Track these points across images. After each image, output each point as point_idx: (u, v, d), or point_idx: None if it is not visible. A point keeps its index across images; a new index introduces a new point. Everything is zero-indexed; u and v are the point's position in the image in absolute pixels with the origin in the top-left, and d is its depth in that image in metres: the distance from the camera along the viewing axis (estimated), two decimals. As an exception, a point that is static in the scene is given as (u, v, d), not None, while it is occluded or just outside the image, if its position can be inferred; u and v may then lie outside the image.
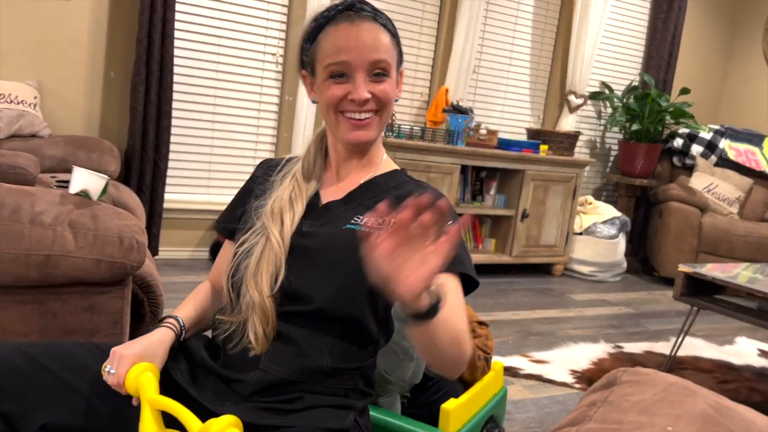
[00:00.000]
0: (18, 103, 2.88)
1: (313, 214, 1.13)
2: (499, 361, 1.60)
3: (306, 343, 1.04)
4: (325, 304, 1.04)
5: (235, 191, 3.83)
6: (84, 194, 1.38)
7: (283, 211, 1.11)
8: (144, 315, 1.61)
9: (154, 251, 3.42)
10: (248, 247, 1.09)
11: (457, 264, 1.03)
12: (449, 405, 1.34)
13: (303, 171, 1.17)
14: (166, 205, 3.47)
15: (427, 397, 1.48)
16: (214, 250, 3.68)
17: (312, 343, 1.04)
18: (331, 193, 1.16)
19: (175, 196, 3.60)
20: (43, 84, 3.15)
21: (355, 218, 1.10)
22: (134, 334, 1.60)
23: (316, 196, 1.16)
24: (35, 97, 2.99)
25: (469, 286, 1.07)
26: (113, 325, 1.36)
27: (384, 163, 1.20)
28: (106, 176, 1.44)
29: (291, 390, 1.02)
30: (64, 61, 3.23)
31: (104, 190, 1.43)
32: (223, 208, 4.11)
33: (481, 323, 1.60)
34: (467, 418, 1.42)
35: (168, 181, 3.48)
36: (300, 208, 1.12)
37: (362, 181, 1.16)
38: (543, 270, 4.50)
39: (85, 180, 1.39)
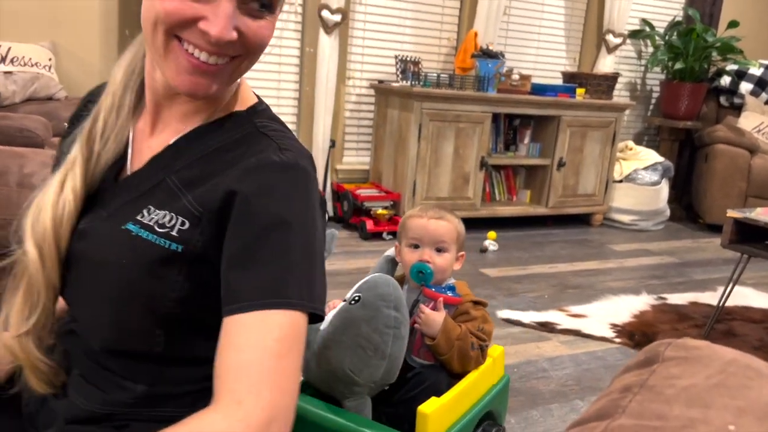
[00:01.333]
0: (32, 66, 2.81)
1: (106, 195, 0.77)
2: (498, 346, 1.38)
3: (106, 378, 0.76)
4: (108, 344, 0.75)
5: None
6: (78, 154, 1.30)
7: (43, 210, 0.75)
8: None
9: (181, 213, 3.38)
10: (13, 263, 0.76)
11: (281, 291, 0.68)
12: (427, 407, 1.12)
13: (99, 125, 0.78)
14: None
15: (405, 392, 1.24)
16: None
17: (113, 379, 0.76)
18: (139, 156, 0.79)
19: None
20: (58, 45, 3.08)
21: (146, 210, 0.74)
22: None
23: (121, 160, 0.79)
24: (50, 59, 2.92)
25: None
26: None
27: (231, 101, 0.80)
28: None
29: (112, 419, 0.76)
30: (78, 21, 3.14)
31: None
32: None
33: (477, 303, 1.33)
34: (454, 420, 1.20)
35: (191, 141, 3.40)
36: (71, 197, 0.75)
37: (178, 136, 0.78)
38: (581, 220, 4.32)
39: (78, 139, 1.30)
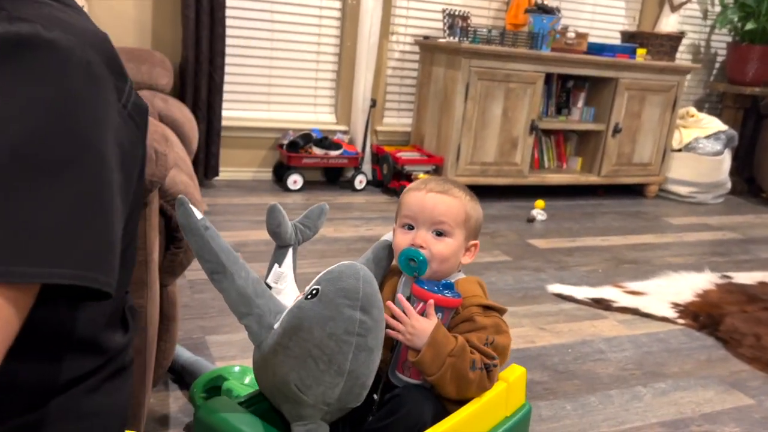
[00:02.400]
0: (62, 13, 2.67)
1: None
2: (518, 366, 1.06)
3: None
4: None
5: (297, 107, 3.60)
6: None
7: None
8: (181, 239, 1.41)
9: (215, 171, 3.25)
10: None
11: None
12: None
13: None
14: (224, 123, 3.26)
15: (378, 419, 0.95)
16: (278, 170, 3.48)
17: None
18: None
19: (234, 113, 3.38)
20: (90, -8, 2.94)
21: None
22: (173, 260, 1.40)
23: None
24: (82, 6, 2.78)
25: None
26: (138, 252, 1.15)
27: None
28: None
29: None
30: (111, -34, 2.99)
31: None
32: (285, 126, 3.79)
33: (489, 308, 1.00)
34: None
35: (226, 97, 3.25)
36: None
37: None
38: (634, 191, 4.06)
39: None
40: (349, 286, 0.85)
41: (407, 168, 3.38)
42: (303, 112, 3.59)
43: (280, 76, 3.47)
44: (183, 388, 1.54)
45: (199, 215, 0.91)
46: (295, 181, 3.36)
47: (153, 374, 1.27)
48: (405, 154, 3.46)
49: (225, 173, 3.38)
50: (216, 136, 3.20)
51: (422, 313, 0.95)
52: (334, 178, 3.62)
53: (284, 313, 0.91)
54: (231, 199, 3.12)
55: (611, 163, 3.81)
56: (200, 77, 3.06)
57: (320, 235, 2.83)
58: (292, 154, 3.31)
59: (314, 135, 3.41)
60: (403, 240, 1.02)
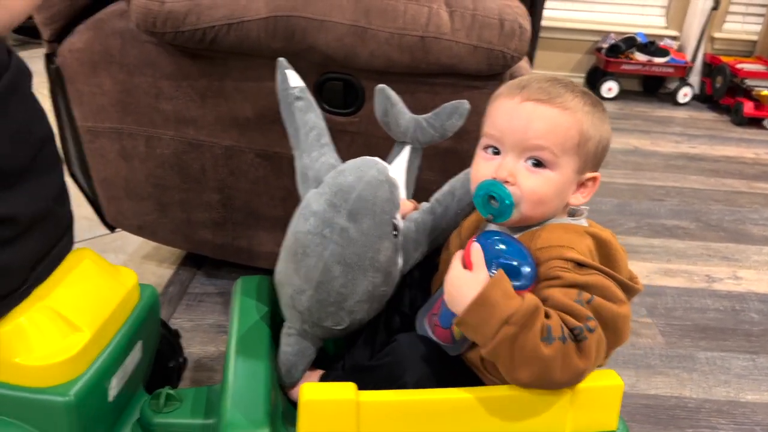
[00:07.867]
0: None
1: None
2: (614, 375, 0.71)
3: None
4: None
5: (623, 8, 3.32)
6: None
7: None
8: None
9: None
10: None
11: None
12: (309, 391, 0.65)
13: None
14: (544, 23, 3.16)
15: (376, 358, 0.76)
16: (592, 76, 3.30)
17: None
18: None
19: (554, 12, 3.26)
20: None
21: None
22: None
23: None
24: None
25: None
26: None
27: None
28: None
29: None
30: None
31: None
32: (607, 29, 3.55)
33: (584, 265, 0.67)
34: None
35: (549, -6, 3.14)
36: None
37: None
38: None
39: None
40: (345, 184, 0.73)
41: (747, 82, 2.93)
42: (629, 14, 3.31)
43: (609, -28, 3.22)
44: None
45: (296, 83, 0.87)
46: (609, 89, 3.16)
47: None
48: (747, 66, 3.00)
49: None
50: (534, 36, 3.13)
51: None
52: (653, 88, 3.32)
53: None
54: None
55: None
56: (527, -28, 2.98)
57: (633, 146, 2.64)
58: (611, 58, 3.10)
59: (638, 39, 3.14)
60: (483, 168, 0.72)
